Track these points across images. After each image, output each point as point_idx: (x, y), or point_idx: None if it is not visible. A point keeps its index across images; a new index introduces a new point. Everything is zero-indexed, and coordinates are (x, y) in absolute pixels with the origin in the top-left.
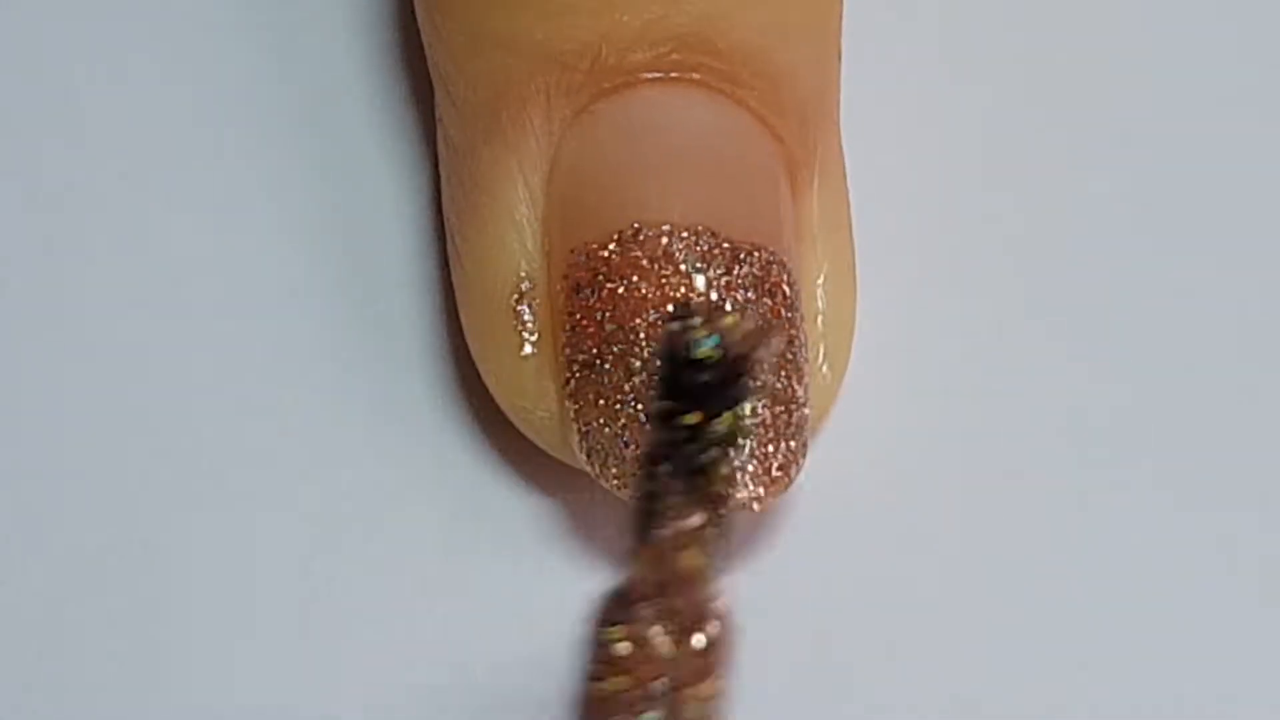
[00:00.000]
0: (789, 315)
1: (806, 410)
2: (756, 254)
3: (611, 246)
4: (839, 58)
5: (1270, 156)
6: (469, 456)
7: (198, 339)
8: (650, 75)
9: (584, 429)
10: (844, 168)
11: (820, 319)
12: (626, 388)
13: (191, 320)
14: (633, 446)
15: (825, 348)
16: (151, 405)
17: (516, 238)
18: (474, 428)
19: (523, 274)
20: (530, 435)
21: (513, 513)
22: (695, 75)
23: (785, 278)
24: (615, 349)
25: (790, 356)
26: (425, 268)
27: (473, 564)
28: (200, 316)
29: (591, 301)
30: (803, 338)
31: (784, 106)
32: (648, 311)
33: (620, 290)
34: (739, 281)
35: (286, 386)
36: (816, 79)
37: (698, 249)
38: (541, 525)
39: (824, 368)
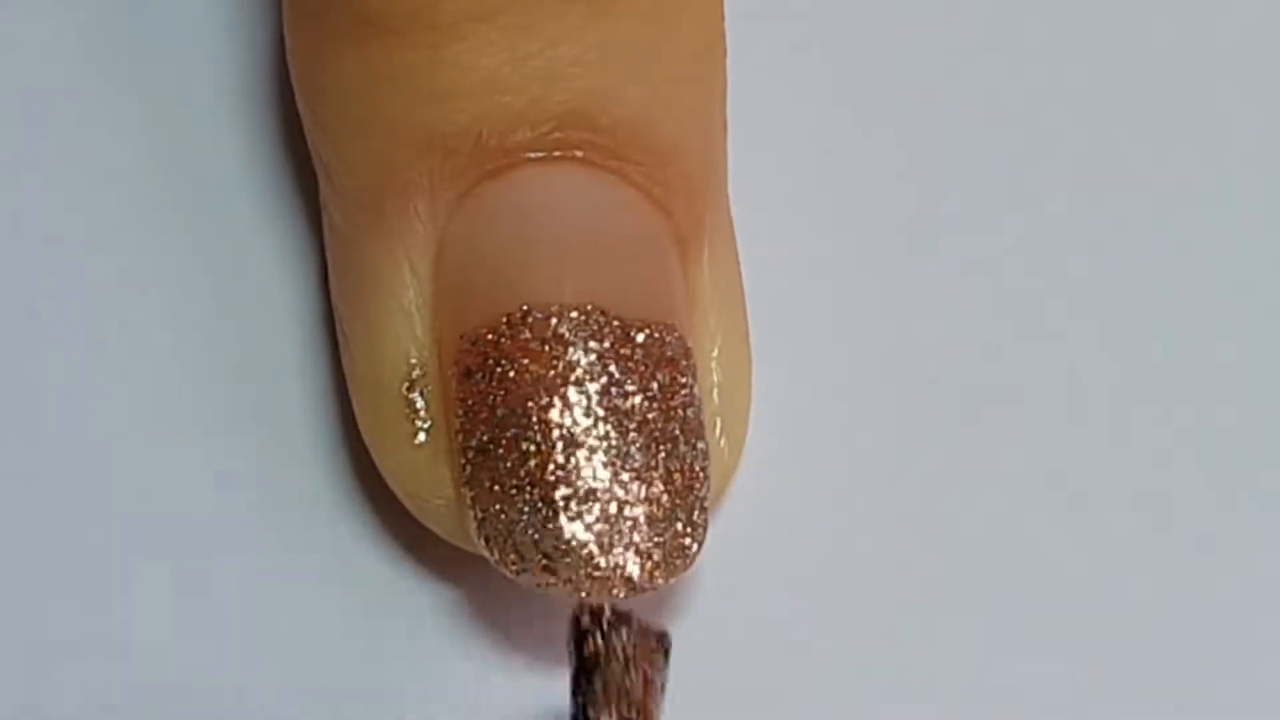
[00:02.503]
0: (685, 390)
1: (706, 487)
2: (648, 330)
3: (501, 330)
4: (724, 128)
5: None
6: (366, 545)
7: (81, 431)
8: (534, 155)
9: (480, 516)
10: (734, 238)
11: (716, 392)
12: (522, 472)
13: (74, 412)
14: (531, 531)
15: (722, 421)
16: (43, 500)
17: (405, 325)
18: (371, 516)
19: (413, 361)
20: (428, 523)
21: (413, 602)
22: (579, 153)
23: (679, 352)
24: (509, 433)
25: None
26: (316, 355)
27: (372, 654)
28: (84, 407)
29: (483, 386)
30: (700, 411)
31: (670, 180)
32: (540, 394)
33: (511, 373)
34: (632, 358)
35: (177, 481)
36: (702, 151)
37: (588, 328)
38: (442, 613)
39: (721, 441)
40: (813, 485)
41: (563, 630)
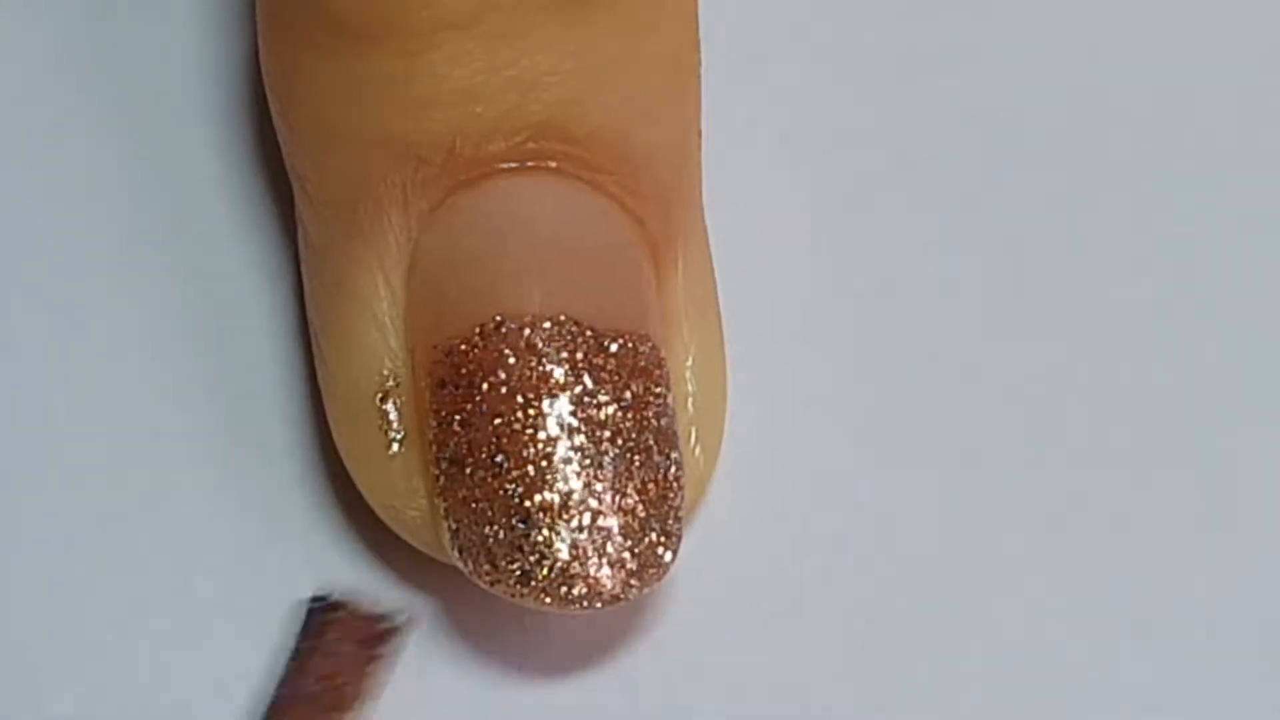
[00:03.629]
0: (658, 400)
1: (680, 497)
2: (621, 340)
3: (474, 340)
4: (699, 138)
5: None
6: (341, 554)
7: (56, 440)
8: (507, 165)
9: (454, 527)
10: (708, 247)
11: (690, 401)
12: (495, 484)
13: (51, 420)
14: (505, 543)
15: (697, 431)
16: (12, 504)
17: (379, 335)
18: (346, 526)
19: (386, 372)
20: (402, 534)
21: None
22: (552, 163)
23: (653, 361)
24: (482, 445)
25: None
26: (292, 366)
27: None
28: (60, 416)
29: (456, 397)
30: (674, 421)
31: (644, 190)
32: (513, 405)
33: (484, 385)
34: (605, 368)
35: (152, 491)
36: (676, 160)
37: (561, 339)
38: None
39: (696, 450)
40: (788, 491)
41: (538, 640)
